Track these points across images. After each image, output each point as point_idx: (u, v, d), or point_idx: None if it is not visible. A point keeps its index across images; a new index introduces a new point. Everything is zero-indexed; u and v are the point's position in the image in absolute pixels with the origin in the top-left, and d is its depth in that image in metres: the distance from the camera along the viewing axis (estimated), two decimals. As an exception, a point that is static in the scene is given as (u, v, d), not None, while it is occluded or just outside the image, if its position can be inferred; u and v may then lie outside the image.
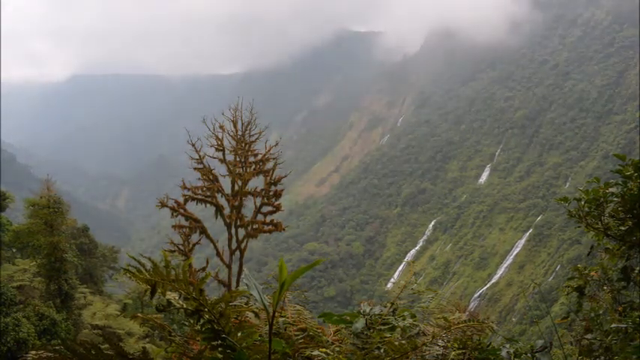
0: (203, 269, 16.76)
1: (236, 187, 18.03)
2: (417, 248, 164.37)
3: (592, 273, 5.78)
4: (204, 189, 17.95)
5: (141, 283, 2.89)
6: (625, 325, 4.68)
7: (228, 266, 17.44)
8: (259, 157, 18.24)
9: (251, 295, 2.83)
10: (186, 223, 17.72)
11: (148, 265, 2.92)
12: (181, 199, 17.92)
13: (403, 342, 3.80)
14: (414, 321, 4.13)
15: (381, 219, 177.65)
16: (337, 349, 4.03)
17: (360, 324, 3.86)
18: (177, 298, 3.01)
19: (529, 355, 3.95)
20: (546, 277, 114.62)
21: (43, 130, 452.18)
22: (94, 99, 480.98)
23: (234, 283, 16.86)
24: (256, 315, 3.91)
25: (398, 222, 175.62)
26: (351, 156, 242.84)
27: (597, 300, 5.71)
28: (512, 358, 3.93)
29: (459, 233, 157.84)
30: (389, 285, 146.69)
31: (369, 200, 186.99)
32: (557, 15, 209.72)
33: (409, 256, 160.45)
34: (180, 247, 17.08)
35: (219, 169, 18.29)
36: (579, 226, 5.47)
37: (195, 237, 17.68)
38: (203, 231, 17.94)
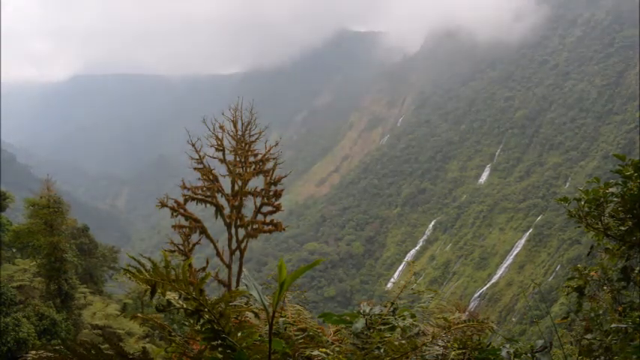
0: (203, 269, 16.76)
1: (236, 187, 18.03)
2: (417, 248, 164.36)
3: (592, 273, 5.78)
4: (204, 189, 17.95)
5: (141, 283, 2.89)
6: (625, 325, 4.68)
7: (228, 266, 17.44)
8: (259, 157, 18.25)
9: (251, 295, 2.83)
10: (186, 223, 17.72)
11: (148, 265, 2.92)
12: (181, 199, 17.93)
13: (403, 342, 3.80)
14: (414, 321, 4.13)
15: (381, 219, 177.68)
16: (337, 349, 4.03)
17: (360, 324, 3.86)
18: (177, 298, 3.01)
19: (529, 355, 3.95)
20: (546, 277, 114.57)
21: (43, 130, 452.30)
22: (94, 99, 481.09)
23: (234, 283, 16.86)
24: (256, 315, 3.91)
25: (398, 222, 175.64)
26: (351, 156, 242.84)
27: (597, 300, 5.71)
28: (512, 358, 3.93)
29: (459, 233, 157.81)
30: (389, 285, 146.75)
31: (369, 200, 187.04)
32: (557, 15, 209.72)
33: (409, 256, 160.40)
34: (180, 247, 17.07)
35: (219, 169, 18.30)
36: (579, 226, 5.47)
37: (195, 237, 17.69)
38: (203, 231, 17.94)
